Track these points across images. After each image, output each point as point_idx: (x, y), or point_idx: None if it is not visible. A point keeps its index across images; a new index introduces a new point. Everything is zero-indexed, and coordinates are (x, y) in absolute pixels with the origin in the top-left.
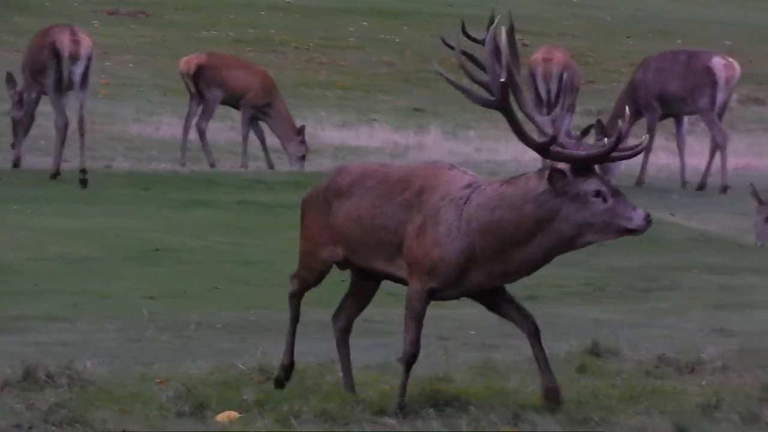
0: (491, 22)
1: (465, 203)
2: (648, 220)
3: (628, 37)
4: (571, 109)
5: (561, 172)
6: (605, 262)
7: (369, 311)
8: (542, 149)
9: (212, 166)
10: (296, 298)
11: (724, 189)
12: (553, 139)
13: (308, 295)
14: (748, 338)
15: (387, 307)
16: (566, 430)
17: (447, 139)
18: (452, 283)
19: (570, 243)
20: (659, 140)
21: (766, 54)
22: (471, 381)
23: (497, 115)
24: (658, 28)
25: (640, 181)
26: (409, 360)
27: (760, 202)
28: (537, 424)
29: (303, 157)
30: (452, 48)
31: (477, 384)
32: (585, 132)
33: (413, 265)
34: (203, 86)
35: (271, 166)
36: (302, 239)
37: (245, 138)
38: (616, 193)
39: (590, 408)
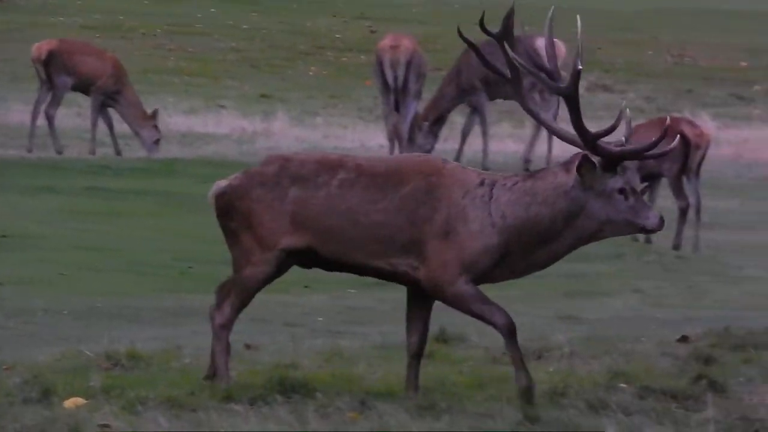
0: (508, 15)
1: (490, 200)
2: (662, 220)
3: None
4: (417, 96)
5: (593, 162)
6: None
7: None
8: (592, 142)
9: (59, 152)
10: (228, 328)
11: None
12: (607, 132)
13: (154, 283)
14: (596, 325)
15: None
16: (413, 416)
17: (294, 126)
18: (480, 279)
19: (589, 238)
20: (506, 127)
21: (613, 41)
22: (318, 368)
23: (344, 102)
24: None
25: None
26: (511, 329)
27: None
28: (384, 410)
29: (157, 142)
30: (473, 45)
31: (324, 371)
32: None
33: (445, 264)
34: (54, 72)
35: (118, 152)
36: (248, 231)
37: (94, 124)
38: (635, 191)
39: (437, 395)
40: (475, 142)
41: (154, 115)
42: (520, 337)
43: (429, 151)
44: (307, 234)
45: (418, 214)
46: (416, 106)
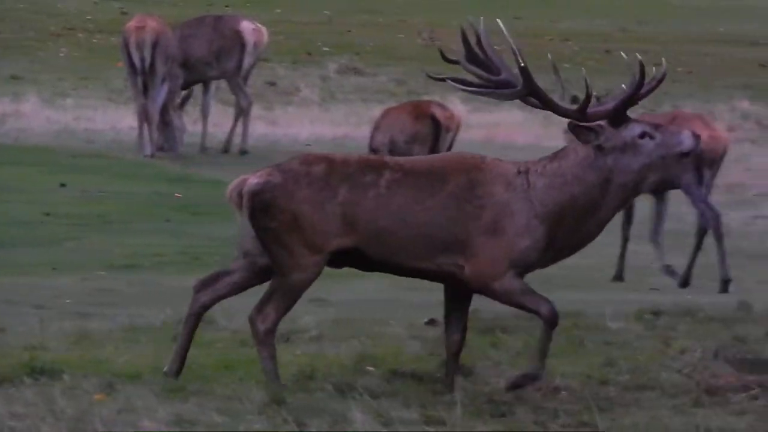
0: (464, 38)
1: (528, 188)
2: (696, 135)
3: (227, 6)
4: (168, 78)
5: (591, 129)
6: (200, 231)
7: None
8: (580, 114)
9: None
10: (274, 333)
11: (243, 152)
12: (586, 102)
13: None
14: (345, 308)
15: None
16: (160, 399)
17: (45, 107)
18: (530, 268)
19: (636, 191)
20: (257, 110)
21: (364, 24)
22: (66, 350)
23: (95, 83)
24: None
25: (242, 149)
26: (554, 321)
27: None
28: (131, 392)
29: None
30: (456, 62)
31: (72, 353)
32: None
33: (494, 262)
34: None
35: None
36: (294, 232)
37: None
38: (656, 126)
39: (185, 377)
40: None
41: None
42: None
43: (183, 134)
44: (356, 235)
45: (463, 212)
46: (167, 88)
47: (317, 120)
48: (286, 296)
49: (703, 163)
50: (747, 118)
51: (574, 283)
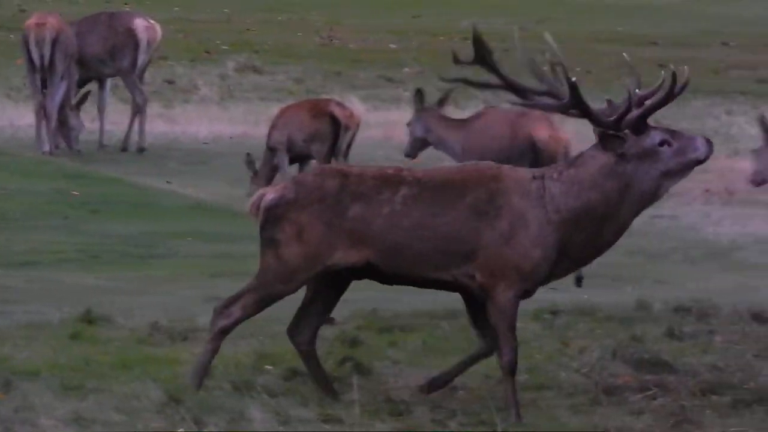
0: (476, 39)
1: (544, 194)
2: (709, 142)
3: (125, 4)
4: (67, 76)
5: (618, 137)
6: (98, 228)
7: None
8: (617, 124)
9: None
10: (228, 332)
11: (141, 150)
12: (625, 113)
13: None
14: None
15: None
16: (59, 397)
17: None
18: (544, 279)
19: (653, 197)
20: (155, 108)
21: (263, 21)
22: None
23: None
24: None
25: (140, 148)
26: (514, 367)
27: (255, 172)
28: (28, 390)
29: None
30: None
31: None
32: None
33: (505, 272)
34: None
35: None
36: (295, 244)
37: None
38: (673, 133)
39: (83, 375)
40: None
41: None
42: (167, 319)
43: (79, 132)
44: (368, 250)
45: (481, 223)
46: (66, 86)
47: (216, 118)
48: (258, 302)
49: (542, 162)
50: None
51: None
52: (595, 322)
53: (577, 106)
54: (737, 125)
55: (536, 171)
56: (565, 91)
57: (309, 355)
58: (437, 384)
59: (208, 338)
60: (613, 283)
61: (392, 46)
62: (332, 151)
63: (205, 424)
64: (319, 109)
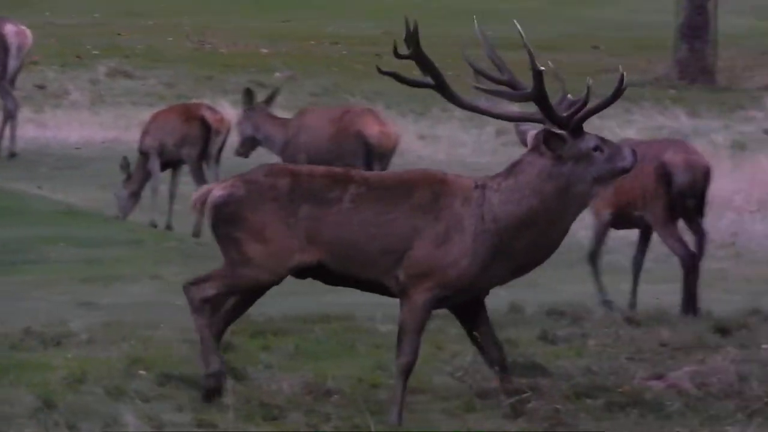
0: (414, 32)
1: (483, 204)
2: (634, 152)
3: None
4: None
5: (560, 135)
6: None
7: None
8: (568, 123)
9: None
10: (210, 302)
11: (12, 155)
12: (579, 111)
13: None
14: (115, 311)
15: None
16: None
17: None
18: (466, 288)
19: (585, 202)
20: (26, 112)
21: (134, 26)
22: None
23: None
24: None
25: (11, 153)
26: (409, 369)
27: (129, 176)
28: None
29: None
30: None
31: None
32: None
33: (427, 274)
34: None
35: None
36: (258, 243)
37: None
38: (603, 139)
39: None
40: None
41: None
42: (39, 324)
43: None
44: (320, 250)
45: (421, 224)
46: None
47: (87, 123)
48: (228, 287)
49: (373, 157)
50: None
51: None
52: None
53: (538, 96)
54: (608, 129)
55: (479, 180)
56: (521, 82)
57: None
58: None
59: (193, 315)
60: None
61: (263, 50)
62: (203, 155)
63: (79, 430)
64: (190, 114)
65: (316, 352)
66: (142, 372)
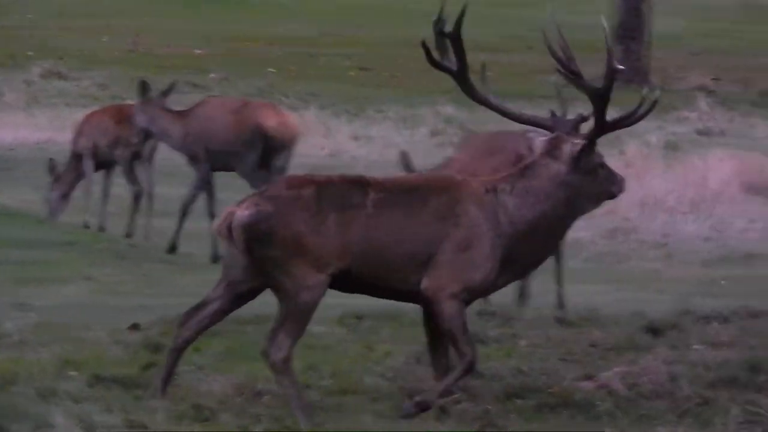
0: (462, 14)
1: (497, 207)
2: (624, 181)
3: None
4: None
5: (593, 146)
6: None
7: None
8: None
9: None
10: (291, 360)
11: None
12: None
13: None
14: (47, 312)
15: None
16: None
17: None
18: (488, 291)
19: (580, 215)
20: None
21: (67, 28)
22: None
23: None
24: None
25: None
26: (474, 364)
27: (57, 178)
28: None
29: None
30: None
31: None
32: None
33: (453, 279)
34: None
35: None
36: (297, 256)
37: None
38: (602, 160)
39: None
40: None
41: None
42: None
43: None
44: (350, 257)
45: (444, 229)
46: None
47: (21, 124)
48: (298, 320)
49: (273, 149)
50: (450, 122)
51: None
52: (399, 327)
53: (605, 94)
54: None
55: (488, 184)
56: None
57: (178, 351)
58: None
59: (278, 377)
60: None
61: (197, 51)
62: (136, 156)
63: (8, 430)
64: (123, 115)
65: (248, 353)
66: (73, 373)
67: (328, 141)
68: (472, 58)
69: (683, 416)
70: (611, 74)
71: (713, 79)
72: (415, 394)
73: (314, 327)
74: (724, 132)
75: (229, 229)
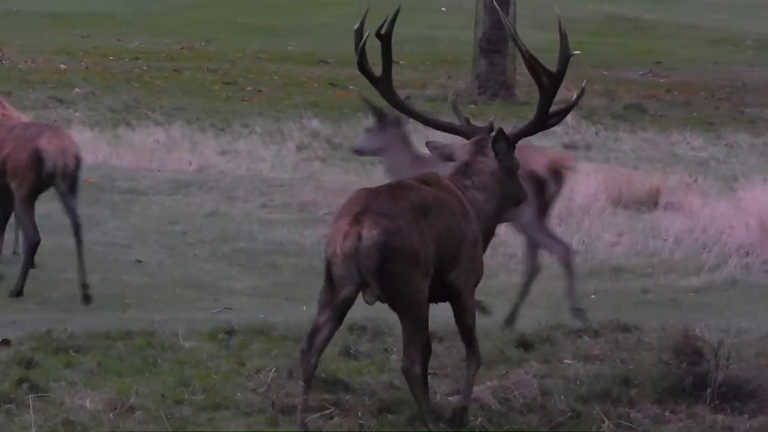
0: (395, 16)
1: (474, 204)
2: (526, 195)
3: None
4: None
5: (508, 139)
6: None
7: None
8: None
9: None
10: (425, 369)
11: None
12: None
13: None
14: None
15: None
16: None
17: None
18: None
19: (503, 215)
20: None
21: None
22: None
23: None
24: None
25: None
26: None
27: None
28: None
29: None
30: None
31: None
32: None
33: (471, 275)
34: None
35: None
36: (415, 268)
37: None
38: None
39: None
40: None
41: None
42: None
43: None
44: (435, 261)
45: (461, 226)
46: None
47: None
48: (420, 331)
49: (53, 175)
50: (316, 136)
51: (144, 301)
52: (270, 342)
53: (558, 81)
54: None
55: (456, 182)
56: None
57: (309, 380)
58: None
59: (416, 390)
60: (287, 303)
61: (62, 66)
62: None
63: None
64: None
65: (119, 369)
66: None
67: (194, 156)
68: (339, 72)
69: (555, 430)
70: (565, 59)
71: (578, 93)
72: (287, 408)
73: (185, 342)
74: (590, 145)
75: (356, 251)
